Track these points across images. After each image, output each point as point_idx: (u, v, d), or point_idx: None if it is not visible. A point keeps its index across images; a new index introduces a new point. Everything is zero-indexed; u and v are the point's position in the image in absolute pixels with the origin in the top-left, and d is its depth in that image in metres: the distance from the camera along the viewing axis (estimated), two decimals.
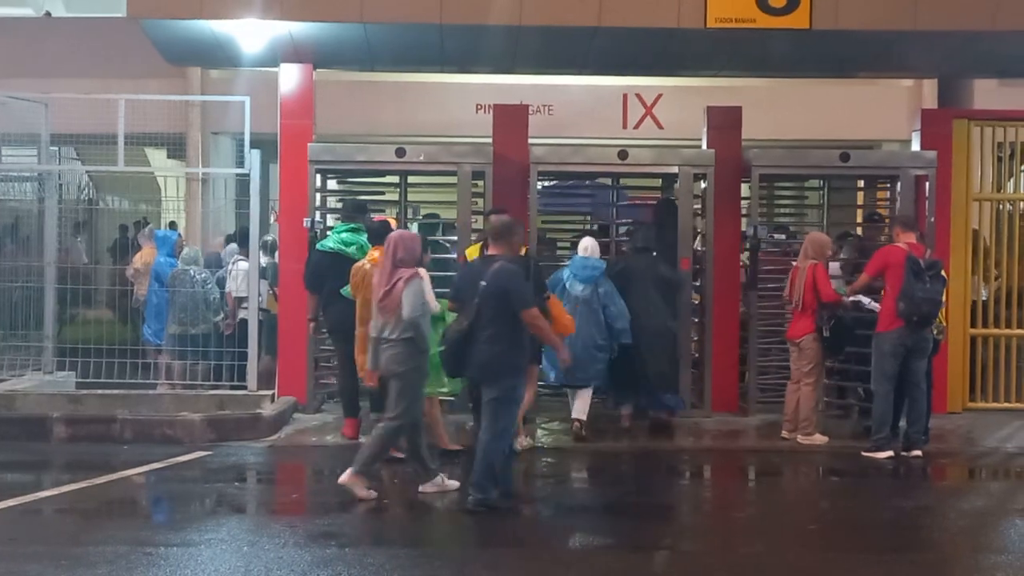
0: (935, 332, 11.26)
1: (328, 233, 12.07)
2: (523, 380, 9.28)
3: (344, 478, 9.21)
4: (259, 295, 12.75)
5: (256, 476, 10.73)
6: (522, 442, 10.94)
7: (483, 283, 8.86)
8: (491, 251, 9.21)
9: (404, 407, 9.18)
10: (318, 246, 11.73)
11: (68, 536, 8.31)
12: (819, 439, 11.58)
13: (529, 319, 8.89)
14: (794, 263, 11.89)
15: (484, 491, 8.93)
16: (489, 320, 8.83)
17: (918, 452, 11.07)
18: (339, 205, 13.53)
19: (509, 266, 8.97)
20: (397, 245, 9.29)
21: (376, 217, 11.96)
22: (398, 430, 9.28)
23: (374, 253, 11.18)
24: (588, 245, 11.73)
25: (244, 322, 12.88)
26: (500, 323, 8.82)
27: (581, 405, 11.62)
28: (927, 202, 12.74)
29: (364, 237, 11.45)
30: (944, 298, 11.41)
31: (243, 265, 13.17)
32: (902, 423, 11.24)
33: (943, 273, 11.22)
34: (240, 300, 13.22)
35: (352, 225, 11.74)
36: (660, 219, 13.01)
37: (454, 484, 9.52)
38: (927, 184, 12.76)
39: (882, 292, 11.29)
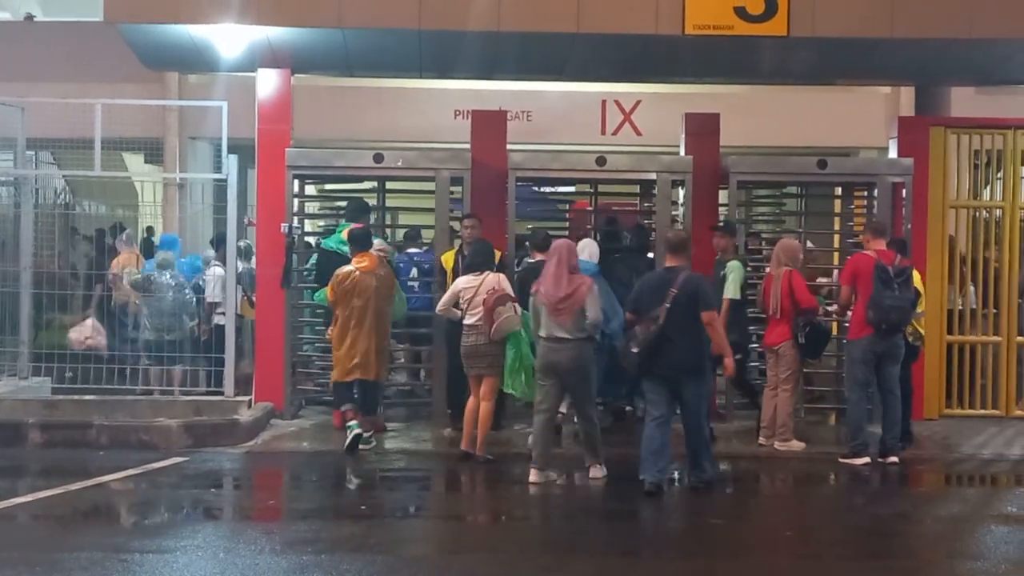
0: (910, 338, 11.31)
1: (333, 230, 12.29)
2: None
3: (595, 472, 10.26)
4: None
5: (233, 482, 10.71)
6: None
7: (673, 290, 9.82)
8: (670, 263, 10.15)
9: (592, 399, 10.33)
10: (322, 244, 11.84)
11: (43, 542, 8.27)
12: (796, 445, 11.61)
13: (709, 319, 9.86)
14: (766, 270, 11.95)
15: (704, 470, 10.04)
16: (682, 323, 9.78)
17: (894, 458, 11.10)
18: (317, 210, 13.58)
19: (695, 274, 10.17)
20: (570, 253, 10.24)
21: (355, 225, 12.01)
22: (595, 418, 10.40)
23: (363, 260, 11.23)
24: (585, 247, 11.75)
25: (220, 327, 12.85)
26: (692, 326, 9.81)
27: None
28: (904, 209, 12.79)
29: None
30: (920, 305, 11.47)
31: (217, 271, 13.15)
32: (877, 429, 11.28)
33: (915, 280, 11.27)
34: (214, 305, 13.19)
35: (350, 226, 11.95)
36: (635, 243, 13.10)
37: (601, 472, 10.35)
38: (904, 191, 12.83)
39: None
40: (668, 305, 9.81)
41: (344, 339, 11.27)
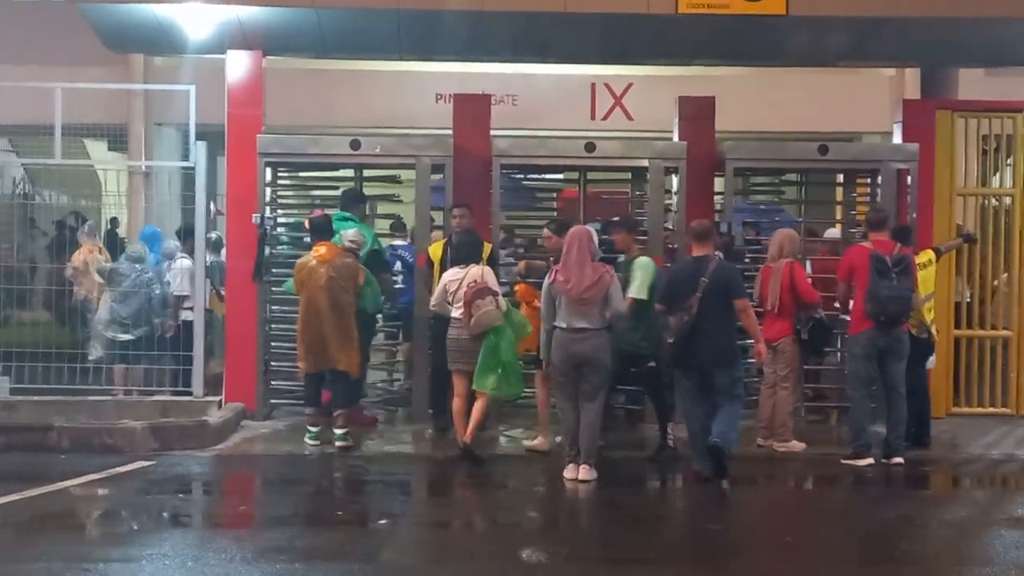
0: (914, 331, 11.32)
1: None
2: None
3: (583, 474, 10.25)
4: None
5: (202, 487, 10.68)
6: (539, 444, 11.37)
7: (704, 279, 10.25)
8: (698, 252, 10.50)
9: (606, 390, 10.49)
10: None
11: (0, 552, 8.23)
12: (796, 445, 11.62)
13: (742, 307, 10.34)
14: (763, 263, 11.95)
15: (729, 441, 10.33)
16: (713, 313, 10.23)
17: (899, 459, 11.12)
18: (291, 200, 13.54)
19: (725, 262, 10.71)
20: (589, 239, 10.34)
21: (315, 213, 12.04)
22: (602, 411, 10.49)
23: (320, 248, 11.30)
24: None
25: (188, 323, 12.80)
26: (724, 315, 10.29)
27: None
28: (909, 197, 12.80)
29: (359, 225, 11.93)
30: (923, 296, 11.47)
31: (184, 263, 13.09)
32: (882, 429, 11.29)
33: (915, 268, 11.26)
34: (181, 299, 13.13)
35: (346, 215, 12.11)
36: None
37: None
38: (909, 178, 12.83)
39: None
40: (700, 294, 10.23)
41: (299, 328, 11.53)
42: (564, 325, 10.27)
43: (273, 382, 12.93)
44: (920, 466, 11.32)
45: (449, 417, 11.45)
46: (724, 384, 10.31)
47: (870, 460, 11.09)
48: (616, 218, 12.14)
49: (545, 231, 11.46)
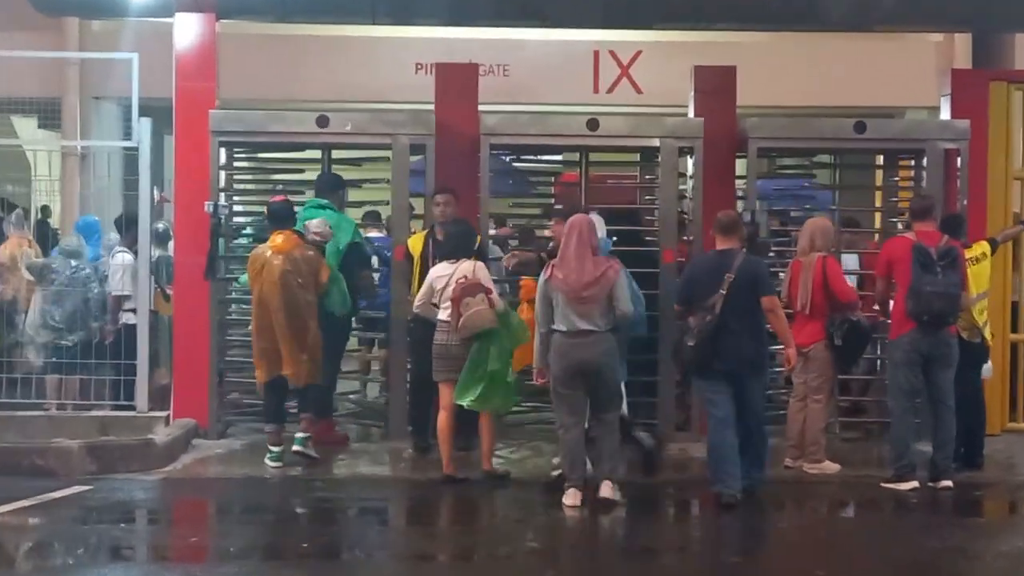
0: (965, 335, 11.33)
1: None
2: None
3: (606, 491, 10.28)
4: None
5: (147, 515, 10.69)
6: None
7: (730, 275, 10.44)
8: (722, 245, 10.72)
9: (619, 397, 10.58)
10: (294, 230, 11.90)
11: None
12: (830, 467, 11.63)
13: (771, 306, 10.59)
14: (792, 258, 11.98)
15: (762, 473, 10.80)
16: (739, 312, 10.44)
17: (948, 482, 11.11)
18: (249, 185, 13.55)
19: (752, 257, 10.83)
20: (591, 230, 10.40)
21: (275, 198, 12.07)
22: (619, 420, 10.57)
23: (277, 238, 11.38)
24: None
25: (130, 328, 12.76)
26: (751, 314, 10.52)
27: None
28: (959, 181, 12.82)
29: (336, 215, 12.15)
30: (975, 294, 11.47)
31: (125, 258, 13.06)
32: (928, 447, 11.30)
33: (965, 262, 11.25)
34: (120, 300, 13.09)
35: (321, 202, 12.25)
36: None
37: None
38: (959, 160, 12.84)
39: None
40: (724, 292, 10.41)
41: (253, 330, 11.66)
42: (564, 328, 10.27)
43: (230, 395, 12.93)
44: (972, 490, 11.32)
45: (431, 435, 11.48)
46: (752, 394, 10.56)
47: (914, 483, 11.08)
48: (559, 206, 12.22)
49: (553, 221, 11.47)
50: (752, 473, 10.66)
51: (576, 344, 10.23)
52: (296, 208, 12.06)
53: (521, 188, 15.14)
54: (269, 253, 11.49)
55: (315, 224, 11.77)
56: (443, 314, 11.00)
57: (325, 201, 12.31)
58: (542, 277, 10.49)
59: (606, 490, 10.29)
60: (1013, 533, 10.46)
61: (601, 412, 10.41)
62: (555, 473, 10.87)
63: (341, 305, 11.99)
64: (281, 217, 11.71)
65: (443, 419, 11.06)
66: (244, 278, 11.86)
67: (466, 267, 11.03)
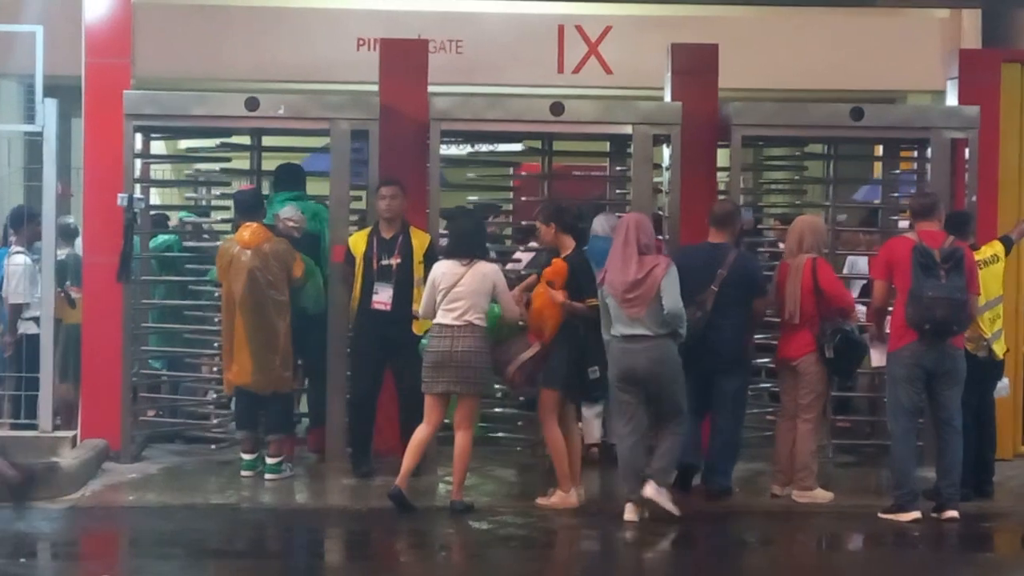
0: (971, 347, 11.35)
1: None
2: None
3: (650, 492, 10.73)
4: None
5: (50, 549, 10.66)
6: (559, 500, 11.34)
7: (722, 272, 11.20)
8: (715, 238, 11.48)
9: (682, 411, 10.94)
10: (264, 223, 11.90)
11: None
12: (821, 495, 11.66)
13: (762, 307, 11.59)
14: (780, 259, 12.03)
15: (728, 477, 11.62)
16: (727, 310, 11.21)
17: (953, 513, 11.13)
18: (168, 175, 13.52)
19: (745, 253, 11.74)
20: (638, 228, 10.88)
21: (243, 186, 12.13)
22: (683, 433, 11.02)
23: (243, 232, 11.47)
24: (604, 223, 12.26)
25: (31, 338, 12.68)
26: (737, 313, 11.31)
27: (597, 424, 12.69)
28: (967, 175, 12.86)
29: (314, 205, 12.61)
30: (985, 300, 11.50)
31: (20, 260, 12.94)
32: (932, 474, 11.32)
33: (973, 264, 11.27)
34: (18, 308, 12.98)
35: (294, 193, 12.51)
36: None
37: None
38: (967, 150, 12.89)
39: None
40: (716, 288, 11.18)
41: (223, 332, 11.90)
42: (618, 333, 10.82)
43: (143, 416, 12.90)
44: (980, 522, 11.39)
45: (371, 459, 11.77)
46: (731, 390, 11.44)
47: (916, 514, 11.11)
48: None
49: (539, 224, 11.52)
50: (718, 480, 11.54)
51: (626, 350, 10.77)
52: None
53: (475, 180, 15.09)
54: (236, 249, 11.63)
55: (287, 212, 11.84)
56: (447, 317, 11.00)
57: (299, 192, 12.57)
58: (597, 281, 11.01)
59: (650, 490, 10.75)
60: None
61: (667, 421, 10.90)
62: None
63: (316, 302, 12.07)
64: (247, 207, 11.80)
65: (424, 434, 11.11)
66: (212, 272, 12.06)
67: (488, 271, 11.14)
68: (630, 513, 10.78)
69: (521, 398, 12.48)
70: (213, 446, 13.02)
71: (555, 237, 11.25)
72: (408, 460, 11.03)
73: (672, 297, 10.65)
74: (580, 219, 11.49)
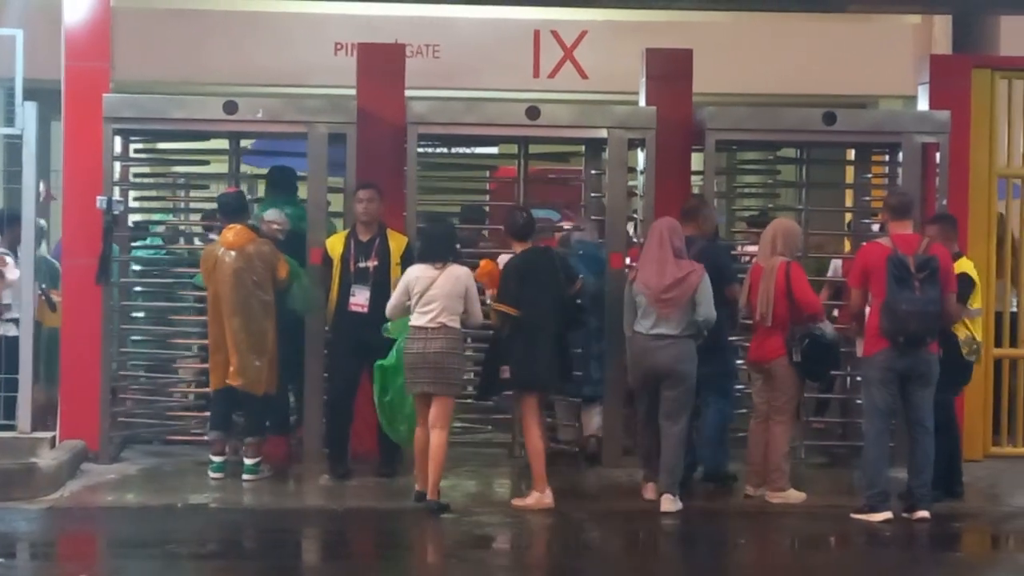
0: (964, 351, 11.36)
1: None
2: None
3: (666, 505, 11.15)
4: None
5: (28, 550, 10.62)
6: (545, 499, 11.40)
7: None
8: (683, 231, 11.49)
9: (689, 411, 11.33)
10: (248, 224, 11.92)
11: None
12: (794, 495, 11.67)
13: (733, 295, 11.72)
14: (752, 259, 12.04)
15: (727, 459, 12.12)
16: None
17: (924, 513, 11.13)
18: (146, 178, 13.47)
19: (713, 243, 12.01)
20: (672, 232, 11.25)
21: (228, 188, 12.12)
22: (686, 434, 11.41)
23: (227, 234, 11.50)
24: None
25: (11, 340, 12.63)
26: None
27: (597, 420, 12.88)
28: (938, 179, 12.88)
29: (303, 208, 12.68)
30: (975, 300, 11.52)
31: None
32: (903, 474, 11.33)
33: (967, 267, 11.29)
34: None
35: (291, 199, 12.70)
36: None
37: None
38: (938, 155, 12.91)
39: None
40: None
41: (209, 332, 11.91)
42: (643, 330, 11.19)
43: (123, 417, 12.85)
44: (951, 522, 11.40)
45: (348, 461, 11.80)
46: (716, 375, 11.71)
47: (888, 514, 11.11)
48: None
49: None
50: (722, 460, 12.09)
51: (649, 348, 11.19)
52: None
53: (452, 184, 15.06)
54: (221, 250, 11.67)
55: (270, 214, 11.85)
56: (421, 319, 11.04)
57: (289, 200, 12.69)
58: (627, 280, 11.48)
59: (666, 503, 11.14)
60: (996, 570, 10.54)
61: (665, 419, 11.24)
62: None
63: (303, 303, 12.07)
64: (233, 209, 11.87)
65: (420, 436, 11.15)
66: (199, 277, 12.07)
67: (460, 274, 11.17)
68: (648, 492, 11.40)
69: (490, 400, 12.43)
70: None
71: (503, 241, 11.44)
72: (419, 460, 11.18)
73: (708, 306, 11.10)
74: (527, 225, 11.51)
